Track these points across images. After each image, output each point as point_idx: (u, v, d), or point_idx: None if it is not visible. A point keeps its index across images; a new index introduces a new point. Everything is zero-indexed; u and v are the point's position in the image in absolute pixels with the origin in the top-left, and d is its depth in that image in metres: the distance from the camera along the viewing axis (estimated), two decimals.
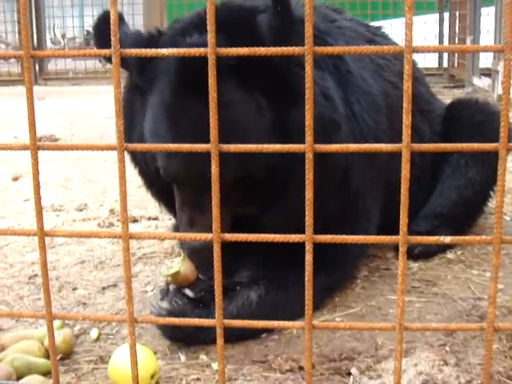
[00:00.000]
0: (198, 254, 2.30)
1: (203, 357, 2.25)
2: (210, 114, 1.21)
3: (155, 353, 2.20)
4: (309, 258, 1.24)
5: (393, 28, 7.39)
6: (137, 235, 1.36)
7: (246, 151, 1.28)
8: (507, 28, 1.07)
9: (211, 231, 2.18)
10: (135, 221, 3.80)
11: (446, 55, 10.98)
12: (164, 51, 1.29)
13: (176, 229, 2.87)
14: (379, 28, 3.44)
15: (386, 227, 2.77)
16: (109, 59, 2.33)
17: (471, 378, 2.03)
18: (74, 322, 2.49)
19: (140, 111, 2.40)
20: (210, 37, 1.19)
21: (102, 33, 2.33)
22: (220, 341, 1.29)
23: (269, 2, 2.32)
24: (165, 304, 2.33)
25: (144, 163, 2.52)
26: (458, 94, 8.73)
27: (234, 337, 2.24)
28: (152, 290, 2.83)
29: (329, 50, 1.28)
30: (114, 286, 2.91)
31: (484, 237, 1.19)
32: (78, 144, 1.35)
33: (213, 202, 1.25)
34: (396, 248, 3.11)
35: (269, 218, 2.46)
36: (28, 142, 1.26)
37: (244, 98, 2.26)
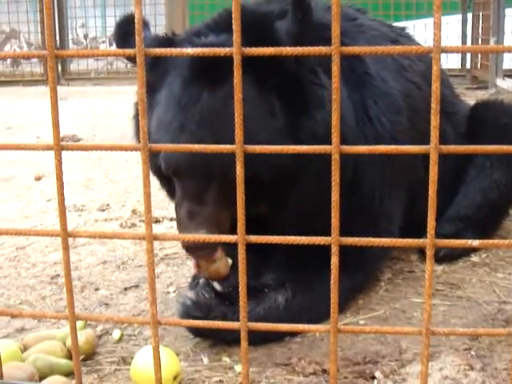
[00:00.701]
0: (195, 250, 2.23)
1: (226, 359, 2.24)
2: (236, 114, 1.19)
3: (178, 354, 2.19)
4: (335, 260, 1.22)
5: (415, 29, 7.35)
6: (161, 236, 1.35)
7: (270, 152, 1.27)
8: None
9: (211, 223, 2.17)
10: (157, 221, 3.80)
11: (468, 56, 10.91)
12: (189, 50, 1.28)
13: None
14: (403, 28, 3.42)
15: (408, 229, 2.77)
16: (131, 59, 2.34)
17: None
18: (97, 322, 2.49)
19: (148, 109, 2.39)
20: (236, 36, 1.18)
21: (123, 34, 2.34)
22: (244, 344, 1.28)
23: (284, 6, 2.31)
24: (191, 294, 2.31)
25: (152, 163, 2.49)
26: (481, 95, 8.66)
27: (258, 339, 2.23)
28: (174, 291, 2.82)
29: (356, 50, 1.27)
30: (136, 286, 2.90)
31: None
32: (101, 144, 1.34)
33: (237, 204, 1.23)
34: (420, 250, 3.10)
35: (277, 218, 2.44)
36: (51, 143, 1.25)
37: (258, 96, 2.25)
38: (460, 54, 10.95)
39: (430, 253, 1.21)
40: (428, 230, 1.20)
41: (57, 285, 2.93)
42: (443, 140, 3.07)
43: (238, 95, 1.19)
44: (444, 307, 2.61)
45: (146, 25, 2.44)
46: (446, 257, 3.03)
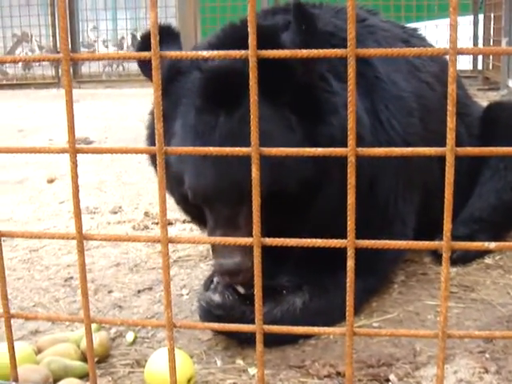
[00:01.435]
0: (231, 275, 2.24)
1: (240, 361, 2.24)
2: (251, 116, 1.19)
3: (191, 357, 2.19)
4: (350, 263, 1.22)
5: (426, 30, 7.33)
6: (176, 239, 1.35)
7: (287, 154, 1.27)
8: None
9: (247, 248, 2.16)
10: (170, 224, 3.79)
11: (480, 57, 10.88)
12: (204, 53, 1.28)
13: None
14: (415, 29, 3.41)
15: (421, 230, 2.76)
16: (146, 73, 2.30)
17: None
18: (111, 325, 2.49)
19: (164, 139, 2.39)
20: (251, 39, 1.18)
21: (146, 47, 2.35)
22: (259, 347, 1.27)
23: (289, 18, 2.30)
24: (217, 297, 2.30)
25: (177, 192, 2.48)
26: (493, 96, 8.64)
27: (272, 341, 2.22)
28: (187, 294, 2.82)
29: (371, 52, 1.26)
30: (150, 289, 2.90)
31: None
32: (116, 147, 1.34)
33: (253, 207, 1.23)
34: (433, 252, 3.09)
35: (296, 230, 2.43)
36: (64, 145, 1.25)
37: (274, 113, 2.25)
38: (472, 55, 10.92)
39: (446, 255, 1.20)
40: (444, 232, 1.19)
41: (70, 287, 2.94)
42: (457, 141, 3.07)
43: (253, 97, 1.19)
44: (458, 309, 2.60)
45: (176, 36, 2.46)
46: (460, 259, 3.02)
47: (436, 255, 3.07)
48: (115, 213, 4.09)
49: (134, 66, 11.79)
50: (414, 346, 2.29)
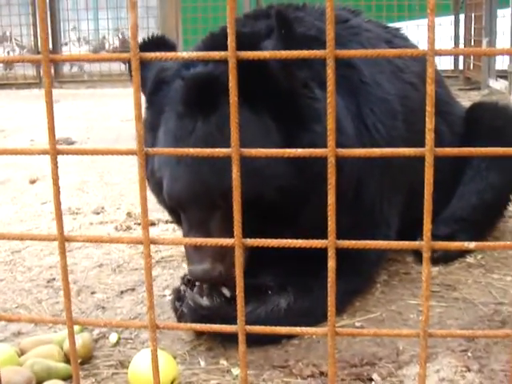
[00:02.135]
0: (201, 281, 2.30)
1: (223, 362, 2.24)
2: (231, 117, 1.19)
3: (175, 357, 2.19)
4: (331, 263, 1.22)
5: (408, 30, 7.34)
6: (159, 241, 1.35)
7: (266, 155, 1.26)
8: None
9: (218, 255, 2.18)
10: (152, 224, 3.79)
11: (461, 57, 10.92)
12: (184, 54, 1.28)
13: None
14: (398, 29, 3.42)
15: (404, 230, 2.77)
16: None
17: None
18: (94, 326, 2.48)
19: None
20: (230, 40, 1.18)
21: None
22: (242, 347, 1.27)
23: (271, 23, 2.31)
24: (205, 301, 2.31)
25: (160, 198, 2.53)
26: (474, 96, 8.68)
27: (255, 341, 2.23)
28: (170, 294, 2.82)
29: (350, 53, 1.26)
30: (133, 289, 2.90)
31: (509, 242, 1.17)
32: (98, 148, 1.34)
33: (234, 207, 1.23)
34: (415, 252, 3.10)
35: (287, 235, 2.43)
36: (46, 146, 1.25)
37: (253, 120, 2.26)
38: (453, 55, 10.95)
39: (426, 255, 1.21)
40: (424, 232, 1.20)
41: (53, 288, 2.93)
42: (439, 139, 3.07)
43: (233, 99, 1.19)
44: (440, 309, 2.62)
45: (172, 47, 2.49)
46: (442, 258, 3.03)
47: (418, 254, 3.08)
48: (97, 213, 4.08)
49: (115, 66, 11.78)
50: (397, 345, 2.30)
